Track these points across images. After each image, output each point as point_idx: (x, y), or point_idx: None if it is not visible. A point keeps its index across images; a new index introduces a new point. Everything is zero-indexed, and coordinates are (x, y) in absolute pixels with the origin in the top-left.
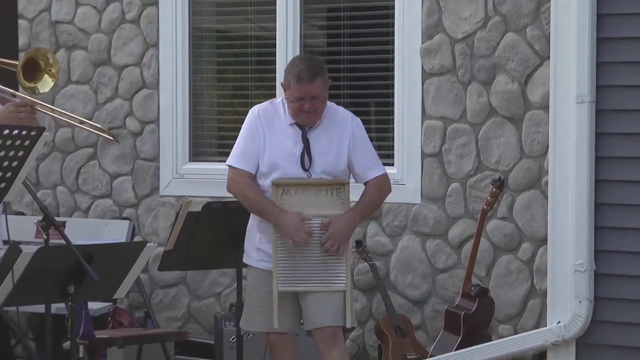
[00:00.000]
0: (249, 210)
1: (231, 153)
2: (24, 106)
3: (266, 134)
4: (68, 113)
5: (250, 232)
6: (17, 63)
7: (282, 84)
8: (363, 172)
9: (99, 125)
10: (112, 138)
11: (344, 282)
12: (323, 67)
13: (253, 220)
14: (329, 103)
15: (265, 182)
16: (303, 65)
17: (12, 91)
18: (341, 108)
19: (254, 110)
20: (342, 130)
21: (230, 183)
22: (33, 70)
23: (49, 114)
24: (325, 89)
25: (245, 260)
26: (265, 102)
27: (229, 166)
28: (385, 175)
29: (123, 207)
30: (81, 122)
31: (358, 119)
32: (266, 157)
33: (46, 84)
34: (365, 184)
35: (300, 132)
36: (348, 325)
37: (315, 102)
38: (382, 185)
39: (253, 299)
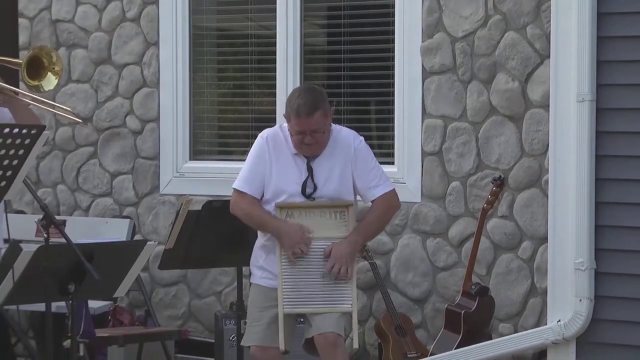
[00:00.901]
0: (251, 226)
1: (238, 176)
2: None
3: (273, 160)
4: (33, 95)
5: (255, 252)
6: (21, 62)
7: (284, 115)
8: (368, 191)
9: (67, 108)
10: (80, 120)
11: (350, 302)
12: (322, 99)
13: (259, 241)
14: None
15: (268, 208)
16: (301, 100)
17: (15, 89)
18: (344, 129)
19: (263, 135)
20: (344, 154)
21: (233, 205)
22: (37, 68)
23: (13, 96)
24: (326, 121)
25: (251, 279)
26: (275, 127)
27: (234, 189)
28: (393, 191)
29: (123, 205)
30: (53, 107)
31: (361, 138)
32: (272, 184)
33: (50, 82)
34: (372, 201)
35: (305, 160)
36: (355, 345)
37: (315, 135)
38: (388, 203)
39: (251, 315)
